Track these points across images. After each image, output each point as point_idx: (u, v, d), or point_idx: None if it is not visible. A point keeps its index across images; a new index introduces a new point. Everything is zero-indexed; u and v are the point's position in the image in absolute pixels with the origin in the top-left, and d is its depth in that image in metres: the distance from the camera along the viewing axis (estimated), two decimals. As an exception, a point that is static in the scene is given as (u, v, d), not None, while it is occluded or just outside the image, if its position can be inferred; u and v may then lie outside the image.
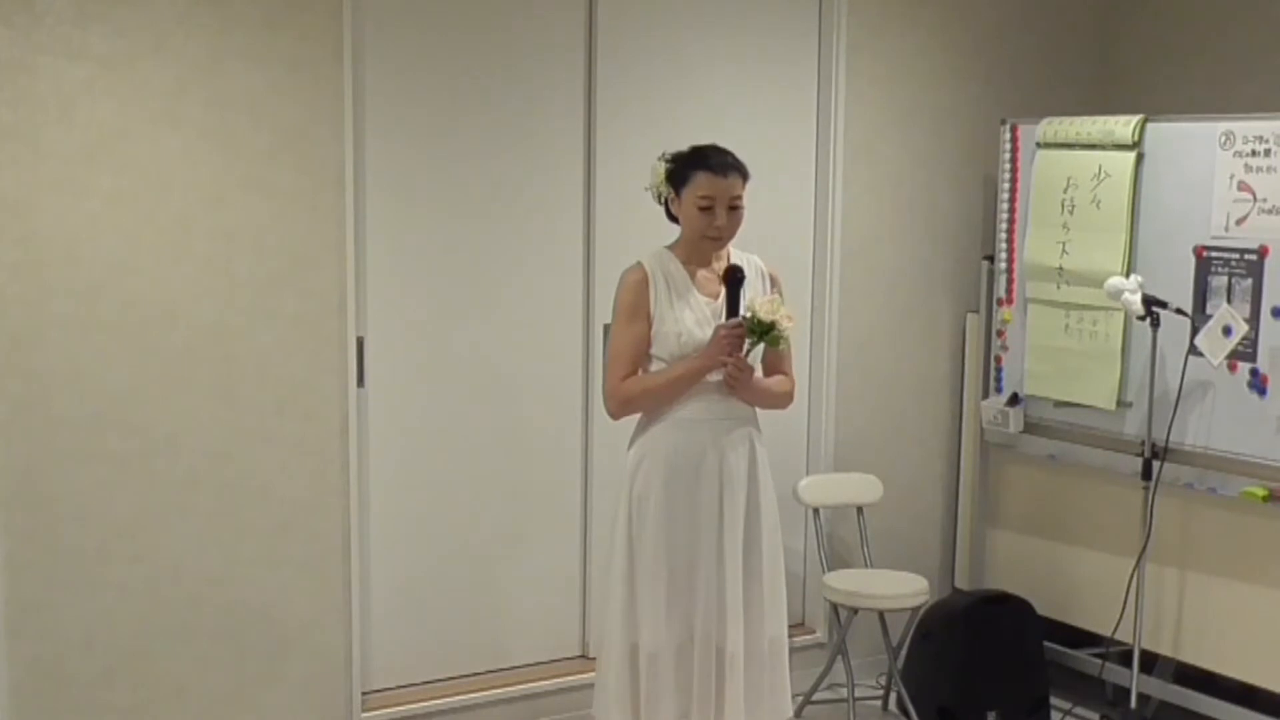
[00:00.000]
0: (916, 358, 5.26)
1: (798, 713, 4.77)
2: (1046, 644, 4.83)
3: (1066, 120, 4.75)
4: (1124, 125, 4.54)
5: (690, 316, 3.74)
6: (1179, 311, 4.31)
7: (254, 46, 3.98)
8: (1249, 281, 4.22)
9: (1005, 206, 5.00)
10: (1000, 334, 5.04)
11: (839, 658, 4.82)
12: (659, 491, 3.73)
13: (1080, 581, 4.85)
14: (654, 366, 3.78)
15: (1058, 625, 4.91)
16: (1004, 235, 5.00)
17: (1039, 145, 4.81)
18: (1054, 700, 4.79)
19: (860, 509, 4.99)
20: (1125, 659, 4.55)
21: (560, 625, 4.76)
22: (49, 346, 3.80)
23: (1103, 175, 4.60)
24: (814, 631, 5.17)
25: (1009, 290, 5.00)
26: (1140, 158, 4.52)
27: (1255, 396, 4.23)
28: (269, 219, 4.05)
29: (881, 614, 4.75)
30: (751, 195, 3.80)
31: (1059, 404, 4.82)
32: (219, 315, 4.02)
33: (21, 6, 3.68)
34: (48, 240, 3.77)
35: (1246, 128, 4.24)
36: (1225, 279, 4.28)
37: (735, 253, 3.85)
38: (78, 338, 3.84)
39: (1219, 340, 4.30)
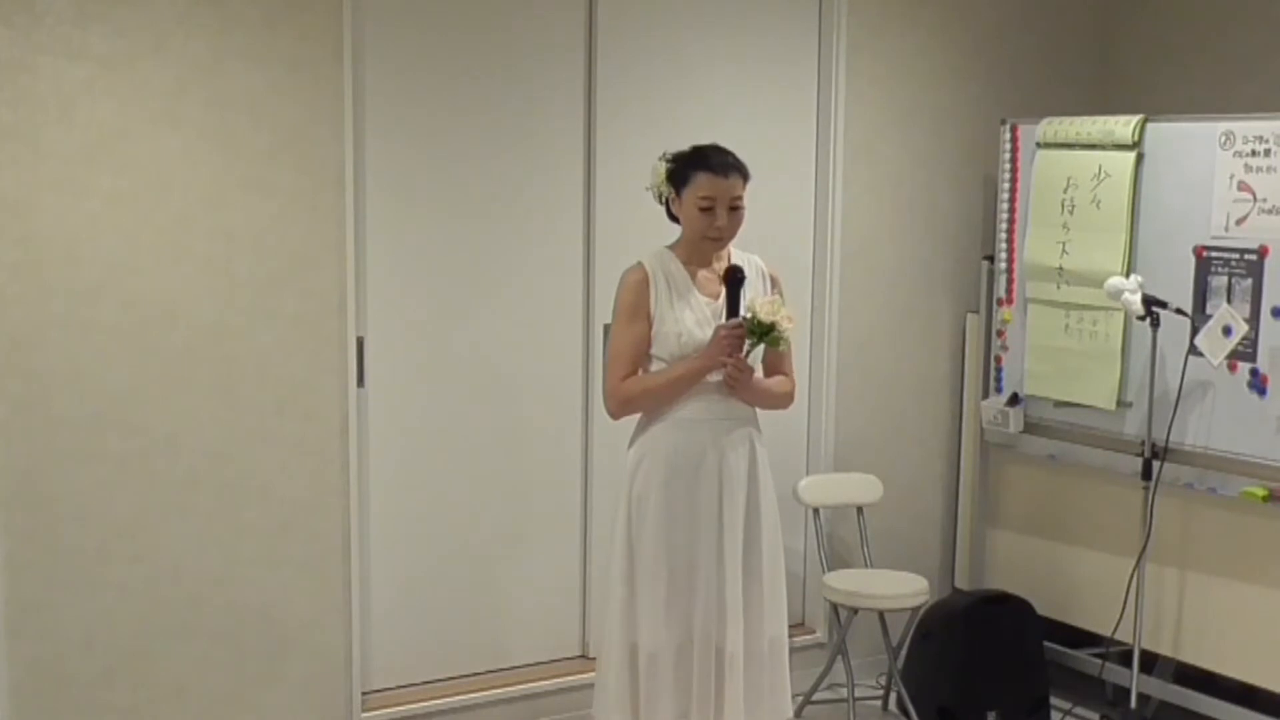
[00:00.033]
0: (916, 358, 5.25)
1: (798, 713, 4.77)
2: (1046, 644, 4.83)
3: (1066, 120, 4.75)
4: (1124, 125, 4.54)
5: (690, 317, 3.74)
6: (1179, 311, 4.30)
7: (254, 46, 3.98)
8: (1249, 281, 4.22)
9: (1005, 206, 5.00)
10: (1000, 334, 5.03)
11: (839, 658, 4.82)
12: (659, 491, 3.73)
13: (1080, 581, 4.85)
14: (654, 366, 3.77)
15: (1058, 625, 4.90)
16: (1004, 235, 5.00)
17: (1039, 145, 4.81)
18: (1054, 700, 4.79)
19: (860, 509, 4.99)
20: (1125, 659, 4.55)
21: (560, 625, 4.76)
22: (49, 346, 3.80)
23: (1103, 175, 4.60)
24: (814, 631, 5.16)
25: (1009, 290, 5.00)
26: (1140, 158, 4.52)
27: (1255, 396, 4.23)
28: (269, 219, 4.05)
29: (881, 614, 4.75)
30: (751, 195, 3.80)
31: (1059, 404, 4.82)
32: (219, 315, 4.01)
33: (21, 6, 3.68)
34: (48, 240, 3.77)
35: (1246, 128, 4.23)
36: (1225, 279, 4.28)
37: (736, 253, 3.85)
38: (78, 338, 3.83)
39: (1219, 340, 4.30)
